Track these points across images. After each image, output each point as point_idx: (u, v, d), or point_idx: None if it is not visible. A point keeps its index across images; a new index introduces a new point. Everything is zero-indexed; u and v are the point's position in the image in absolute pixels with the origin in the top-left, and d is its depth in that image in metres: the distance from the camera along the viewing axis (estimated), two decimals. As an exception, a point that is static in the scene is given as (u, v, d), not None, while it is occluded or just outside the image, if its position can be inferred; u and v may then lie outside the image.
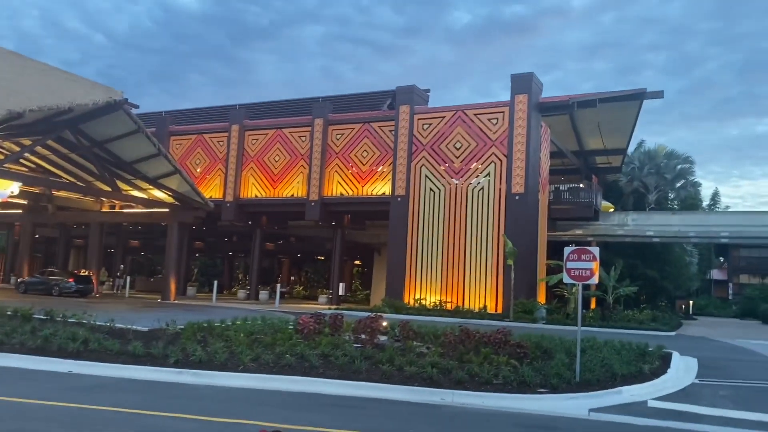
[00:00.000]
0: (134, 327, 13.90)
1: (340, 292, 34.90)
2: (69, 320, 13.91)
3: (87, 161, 28.75)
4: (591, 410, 9.41)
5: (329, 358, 11.42)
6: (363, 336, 12.79)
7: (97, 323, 13.58)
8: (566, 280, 11.79)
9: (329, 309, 28.13)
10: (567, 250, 11.79)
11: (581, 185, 35.62)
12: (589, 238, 33.68)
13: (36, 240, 56.31)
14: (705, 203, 58.86)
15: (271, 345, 12.18)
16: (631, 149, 45.62)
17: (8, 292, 32.05)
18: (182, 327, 13.39)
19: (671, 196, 49.11)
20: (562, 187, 35.31)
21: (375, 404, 9.43)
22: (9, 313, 14.69)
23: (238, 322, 14.90)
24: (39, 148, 28.96)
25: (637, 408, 9.68)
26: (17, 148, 28.29)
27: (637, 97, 31.48)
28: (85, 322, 13.61)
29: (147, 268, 54.69)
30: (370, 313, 15.13)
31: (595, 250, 11.54)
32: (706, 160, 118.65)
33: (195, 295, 37.98)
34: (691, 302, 48.97)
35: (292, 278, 55.27)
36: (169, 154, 28.69)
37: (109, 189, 29.64)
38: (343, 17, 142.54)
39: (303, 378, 10.62)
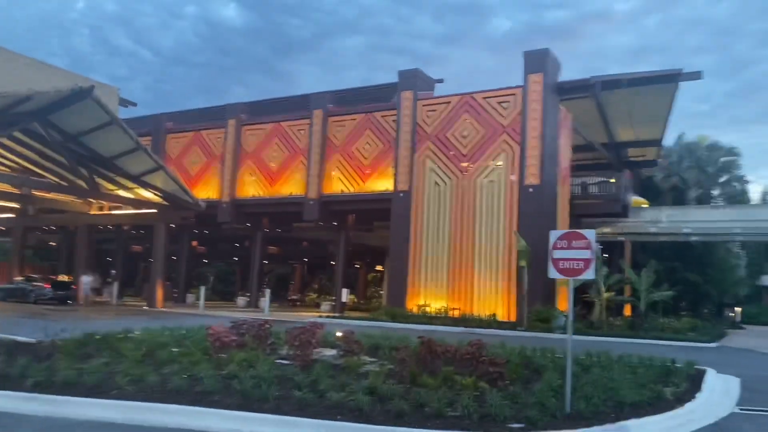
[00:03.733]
0: (17, 338, 11.30)
1: (344, 299, 31.90)
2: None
3: (61, 156, 26.65)
4: (578, 458, 6.59)
5: (233, 381, 8.63)
6: (296, 351, 9.94)
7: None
8: (552, 274, 8.78)
9: (325, 317, 25.41)
10: (553, 234, 8.81)
11: (612, 180, 31.95)
12: (619, 237, 30.10)
13: (52, 248, 55.39)
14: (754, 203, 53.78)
15: (168, 362, 9.45)
16: (670, 143, 41.68)
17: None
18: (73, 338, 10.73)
19: (715, 193, 44.59)
20: (589, 181, 31.73)
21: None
22: None
23: (167, 333, 12.22)
24: (15, 146, 27.05)
25: (646, 455, 6.77)
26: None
27: (672, 79, 27.83)
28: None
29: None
30: (338, 323, 12.22)
31: (590, 234, 8.53)
32: (758, 164, 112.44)
33: (194, 302, 35.55)
34: (739, 310, 44.40)
35: (315, 285, 52.62)
36: (149, 150, 26.40)
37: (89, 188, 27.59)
38: (384, 27, 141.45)
39: (186, 408, 7.87)
